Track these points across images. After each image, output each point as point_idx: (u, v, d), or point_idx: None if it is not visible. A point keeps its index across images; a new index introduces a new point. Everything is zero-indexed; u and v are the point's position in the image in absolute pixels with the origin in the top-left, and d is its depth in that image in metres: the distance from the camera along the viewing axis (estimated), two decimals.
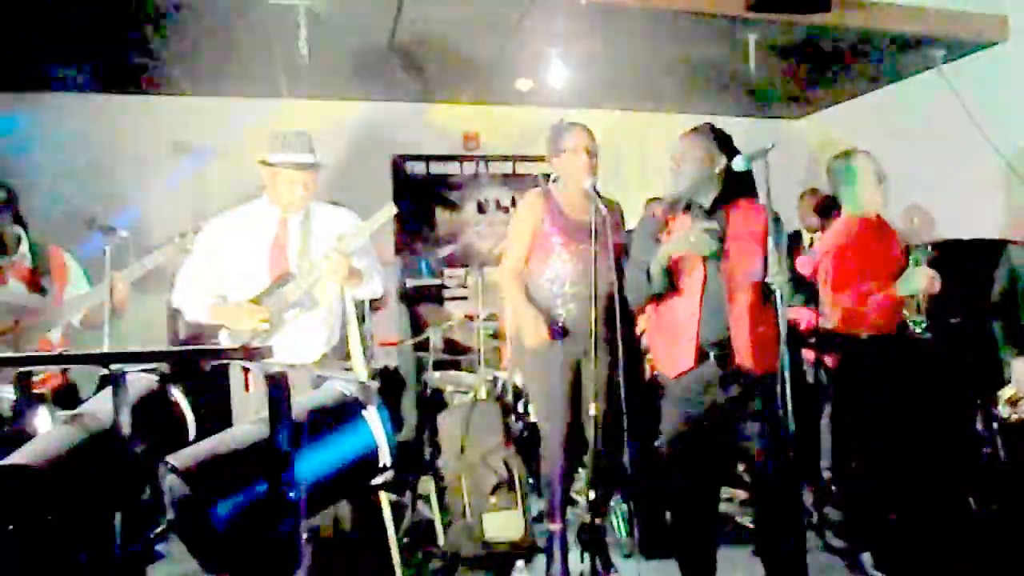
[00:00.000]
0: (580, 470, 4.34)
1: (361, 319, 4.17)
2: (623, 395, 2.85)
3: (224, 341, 3.02)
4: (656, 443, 3.04)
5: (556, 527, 3.44)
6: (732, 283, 2.73)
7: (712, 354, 2.72)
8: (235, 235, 3.02)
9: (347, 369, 3.06)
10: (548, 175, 3.46)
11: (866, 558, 3.33)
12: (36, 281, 3.34)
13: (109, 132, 5.21)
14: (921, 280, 3.17)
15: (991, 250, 3.71)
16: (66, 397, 3.26)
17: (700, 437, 2.81)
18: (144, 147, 5.26)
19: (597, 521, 3.35)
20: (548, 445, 3.41)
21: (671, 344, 2.83)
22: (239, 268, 2.98)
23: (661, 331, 2.90)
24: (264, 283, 2.96)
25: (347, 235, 2.89)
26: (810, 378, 4.22)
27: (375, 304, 5.37)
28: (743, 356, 2.71)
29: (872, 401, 3.32)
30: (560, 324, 3.31)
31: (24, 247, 3.36)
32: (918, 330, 3.17)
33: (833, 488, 4.34)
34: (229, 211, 3.10)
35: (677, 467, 2.87)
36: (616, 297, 3.12)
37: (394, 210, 2.91)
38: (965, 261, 3.83)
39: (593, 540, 3.32)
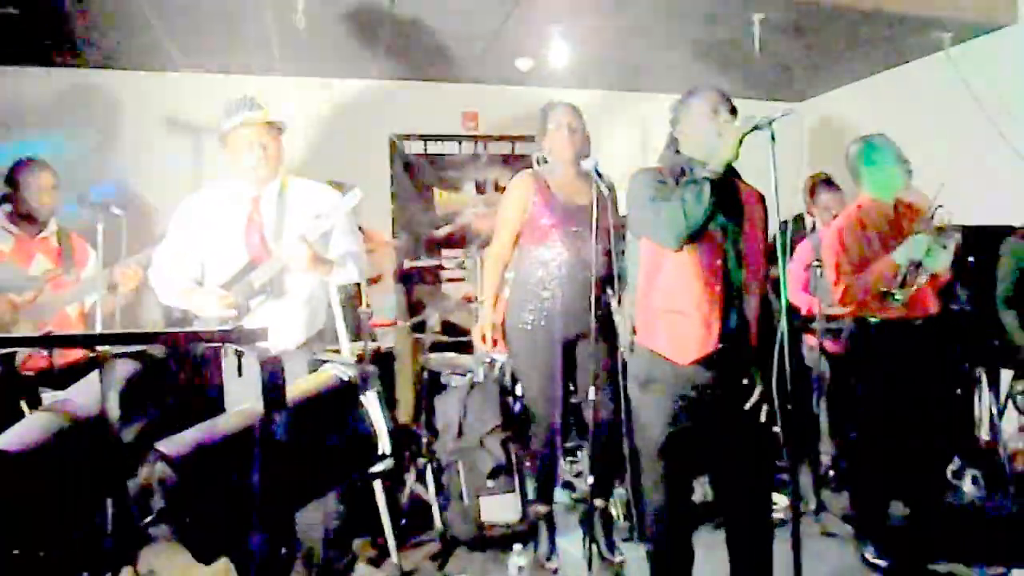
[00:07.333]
0: (578, 453, 4.35)
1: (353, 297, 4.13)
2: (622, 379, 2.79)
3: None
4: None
5: (543, 509, 3.43)
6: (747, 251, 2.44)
7: (732, 335, 2.34)
8: (209, 214, 2.88)
9: (334, 351, 2.98)
10: (546, 158, 3.41)
11: (869, 548, 3.30)
12: (61, 261, 3.44)
13: (105, 109, 5.14)
14: (918, 249, 3.06)
15: (998, 238, 3.69)
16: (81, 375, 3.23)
17: (695, 431, 2.41)
18: (139, 125, 5.17)
19: (599, 504, 3.34)
20: (536, 426, 3.37)
21: (683, 321, 2.38)
22: (214, 249, 2.86)
23: (662, 304, 2.43)
24: (242, 265, 2.82)
25: (318, 219, 2.74)
26: (810, 363, 4.21)
27: (369, 280, 5.30)
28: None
29: (875, 386, 3.28)
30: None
31: (53, 226, 3.48)
32: (898, 297, 3.07)
33: (831, 473, 4.35)
34: (205, 189, 2.99)
35: (659, 463, 2.46)
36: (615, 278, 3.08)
37: (360, 196, 2.76)
38: (973, 248, 3.80)
39: (600, 523, 3.32)
